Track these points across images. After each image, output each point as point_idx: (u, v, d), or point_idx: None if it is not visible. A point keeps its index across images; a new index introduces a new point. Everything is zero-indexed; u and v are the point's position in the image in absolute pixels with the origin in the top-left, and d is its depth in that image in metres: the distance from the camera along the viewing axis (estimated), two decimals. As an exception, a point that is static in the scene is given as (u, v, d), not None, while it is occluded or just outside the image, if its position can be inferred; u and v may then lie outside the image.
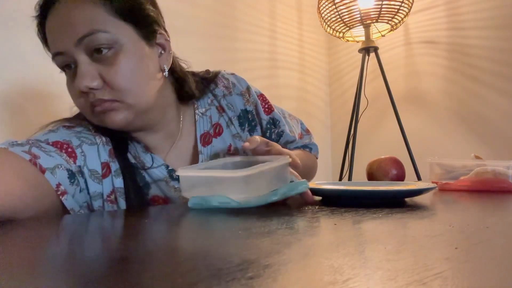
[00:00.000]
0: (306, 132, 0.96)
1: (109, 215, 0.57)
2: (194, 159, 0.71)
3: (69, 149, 0.58)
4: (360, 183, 0.77)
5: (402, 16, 1.67)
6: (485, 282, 0.22)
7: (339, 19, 1.71)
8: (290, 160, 0.53)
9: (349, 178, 1.71)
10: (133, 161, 0.65)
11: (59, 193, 0.54)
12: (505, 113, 1.62)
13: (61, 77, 0.63)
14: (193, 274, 0.24)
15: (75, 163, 0.58)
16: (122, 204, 0.61)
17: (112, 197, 0.62)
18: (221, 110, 0.74)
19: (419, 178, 1.64)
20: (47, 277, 0.24)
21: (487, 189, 0.74)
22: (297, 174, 0.59)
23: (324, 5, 1.73)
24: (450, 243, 0.32)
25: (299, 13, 2.21)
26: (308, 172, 0.83)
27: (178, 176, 0.60)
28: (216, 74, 0.77)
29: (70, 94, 0.61)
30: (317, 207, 0.54)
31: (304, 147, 0.86)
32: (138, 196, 0.62)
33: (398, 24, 1.71)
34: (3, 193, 0.46)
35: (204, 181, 0.56)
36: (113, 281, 0.23)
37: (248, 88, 0.77)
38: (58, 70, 0.62)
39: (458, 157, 1.65)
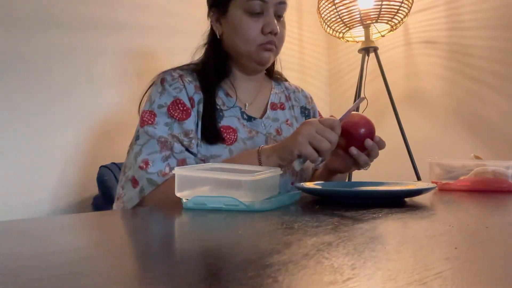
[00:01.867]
0: None
1: (110, 215, 0.57)
2: (262, 113, 0.95)
3: (181, 106, 0.81)
4: (360, 183, 0.77)
5: (402, 16, 1.67)
6: (485, 282, 0.22)
7: (339, 20, 1.71)
8: (281, 172, 0.64)
9: (349, 178, 1.71)
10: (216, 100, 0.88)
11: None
12: (505, 113, 1.62)
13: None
14: (193, 274, 0.24)
15: (187, 111, 0.81)
16: (199, 127, 0.82)
17: (196, 122, 0.83)
18: (288, 98, 1.01)
19: (419, 178, 1.64)
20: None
21: (487, 189, 0.74)
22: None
23: (324, 6, 1.73)
24: (450, 243, 0.32)
25: (299, 13, 2.21)
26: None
27: (248, 116, 0.89)
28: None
29: (248, 31, 0.82)
30: (317, 207, 0.54)
31: None
32: (211, 120, 0.82)
33: (398, 24, 1.71)
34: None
35: (207, 182, 0.56)
36: (112, 280, 0.23)
37: (312, 98, 1.07)
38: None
39: (458, 157, 1.65)
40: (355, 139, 0.72)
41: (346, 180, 1.01)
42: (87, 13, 1.32)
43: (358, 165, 0.75)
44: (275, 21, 0.82)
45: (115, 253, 0.32)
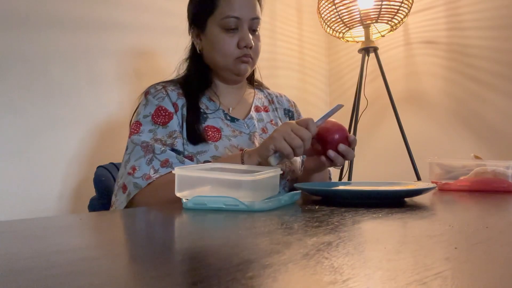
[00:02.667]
0: None
1: (109, 215, 0.57)
2: (245, 115, 0.98)
3: (163, 112, 0.86)
4: (360, 183, 0.77)
5: (402, 16, 1.67)
6: (485, 282, 0.22)
7: (339, 20, 1.71)
8: (281, 172, 0.66)
9: (349, 178, 1.71)
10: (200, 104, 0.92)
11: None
12: (505, 113, 1.62)
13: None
14: (193, 274, 0.24)
15: (169, 115, 0.85)
16: (184, 129, 0.86)
17: (181, 124, 0.87)
18: (271, 102, 1.07)
19: (419, 178, 1.64)
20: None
21: (487, 189, 0.74)
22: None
23: (323, 6, 1.73)
24: (450, 243, 0.32)
25: (299, 13, 2.21)
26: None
27: (231, 117, 0.93)
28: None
29: (224, 46, 0.88)
30: (317, 207, 0.54)
31: None
32: (194, 123, 0.86)
33: (398, 25, 1.71)
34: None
35: (207, 182, 0.56)
36: (112, 280, 0.23)
37: (295, 103, 1.11)
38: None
39: (458, 157, 1.65)
40: (330, 144, 0.77)
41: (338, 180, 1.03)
42: (87, 13, 1.32)
43: (335, 165, 0.80)
44: (250, 36, 0.88)
45: (115, 253, 0.32)
